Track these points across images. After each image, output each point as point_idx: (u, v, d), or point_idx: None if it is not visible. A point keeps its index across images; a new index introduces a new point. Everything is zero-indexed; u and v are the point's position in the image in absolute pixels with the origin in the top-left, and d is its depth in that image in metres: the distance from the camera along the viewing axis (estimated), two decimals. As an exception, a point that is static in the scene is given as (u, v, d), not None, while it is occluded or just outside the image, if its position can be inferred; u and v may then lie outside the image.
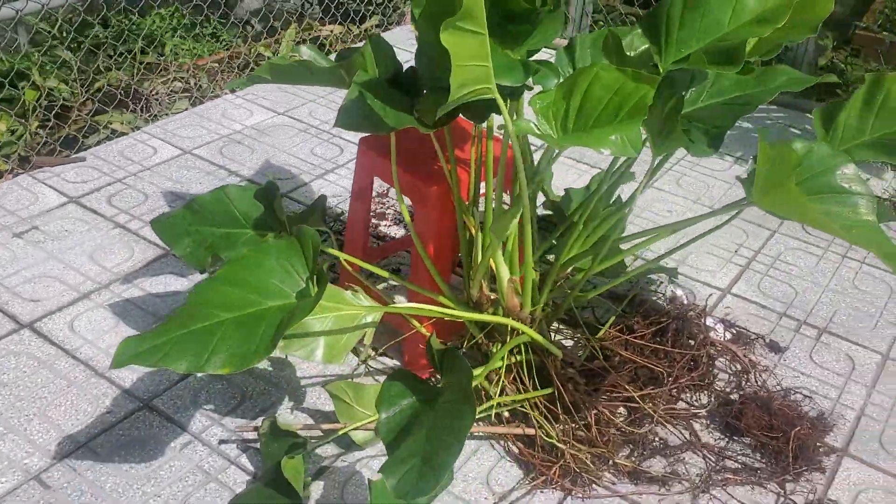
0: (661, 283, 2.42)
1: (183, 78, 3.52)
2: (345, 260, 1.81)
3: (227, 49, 3.94)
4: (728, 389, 2.08)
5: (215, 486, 1.75)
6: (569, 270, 2.10)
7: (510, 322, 1.83)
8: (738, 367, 2.15)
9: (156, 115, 3.24)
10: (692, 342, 2.10)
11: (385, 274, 1.88)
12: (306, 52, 1.70)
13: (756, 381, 2.11)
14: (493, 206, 1.80)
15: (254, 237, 1.78)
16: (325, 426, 1.82)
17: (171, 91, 3.41)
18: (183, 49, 3.76)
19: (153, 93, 3.34)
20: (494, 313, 1.91)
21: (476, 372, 1.85)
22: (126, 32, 3.56)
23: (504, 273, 1.79)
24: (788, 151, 1.37)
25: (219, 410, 1.93)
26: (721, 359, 2.17)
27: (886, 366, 2.21)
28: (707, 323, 2.23)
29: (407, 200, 2.04)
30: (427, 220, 1.90)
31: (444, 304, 1.90)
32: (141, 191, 2.74)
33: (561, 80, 1.67)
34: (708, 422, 2.00)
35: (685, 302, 2.28)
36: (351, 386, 1.78)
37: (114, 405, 1.93)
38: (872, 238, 1.43)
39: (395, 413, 1.42)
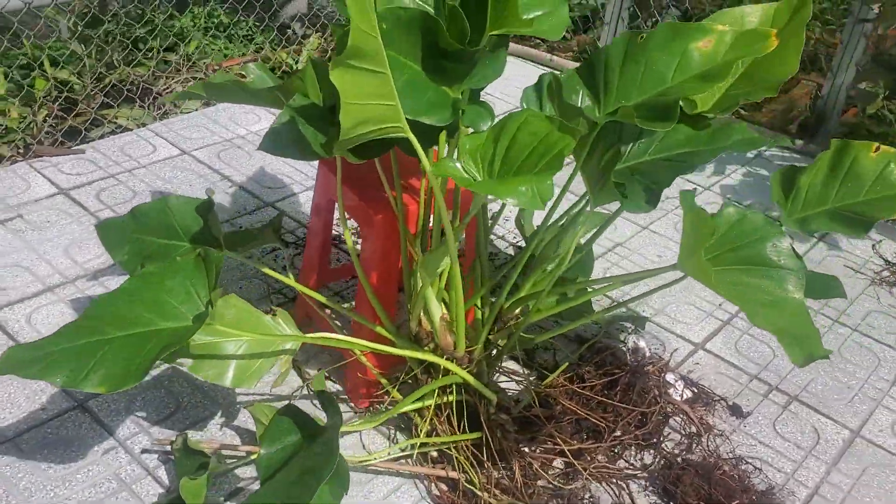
0: (631, 331, 2.34)
1: (202, 78, 3.56)
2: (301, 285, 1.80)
3: (257, 52, 3.98)
4: (676, 451, 1.99)
5: (127, 496, 1.74)
6: (520, 310, 2.04)
7: (439, 361, 1.78)
8: (693, 428, 2.06)
9: (165, 114, 3.27)
10: (644, 397, 2.02)
11: (321, 299, 1.85)
12: (253, 72, 1.68)
13: (707, 446, 2.02)
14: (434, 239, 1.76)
15: (189, 251, 1.77)
16: (245, 447, 1.79)
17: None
18: (213, 49, 3.80)
19: (167, 90, 3.38)
20: (435, 349, 1.86)
21: (408, 404, 1.82)
22: (137, 27, 3.61)
23: (434, 310, 1.75)
24: (703, 219, 1.30)
25: (149, 418, 1.93)
26: (676, 418, 2.08)
27: (854, 444, 2.09)
28: (667, 378, 2.14)
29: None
30: (372, 247, 1.87)
31: (381, 335, 1.86)
32: (131, 188, 2.77)
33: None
34: (647, 483, 1.92)
35: (647, 354, 2.20)
36: (271, 410, 1.75)
37: (49, 402, 1.94)
38: (795, 318, 1.35)
39: (278, 450, 1.39)
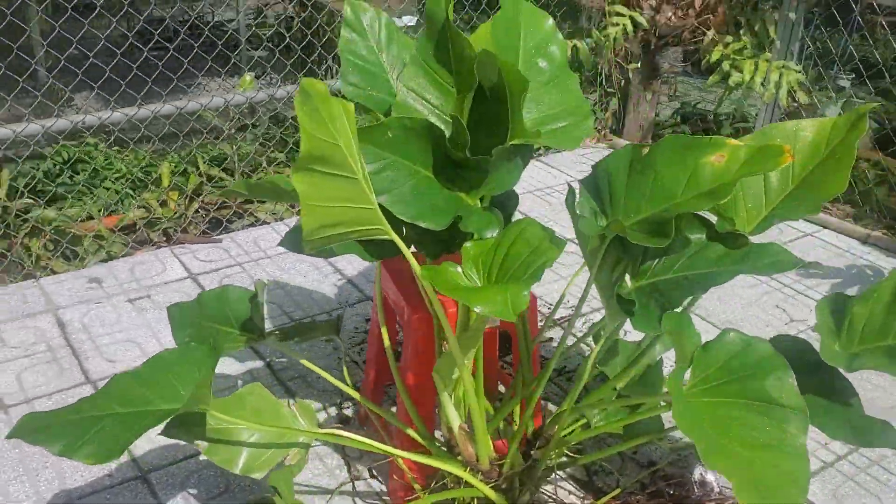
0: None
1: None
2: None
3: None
4: None
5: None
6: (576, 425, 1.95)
7: (459, 472, 1.73)
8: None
9: (303, 209, 3.50)
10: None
11: (366, 402, 1.87)
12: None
13: None
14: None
15: (238, 338, 1.87)
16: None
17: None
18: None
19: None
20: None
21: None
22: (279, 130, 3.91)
23: (452, 418, 1.71)
24: (685, 341, 1.20)
25: (199, 496, 2.01)
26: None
27: None
28: (735, 520, 1.94)
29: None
30: (409, 347, 1.88)
31: (414, 440, 1.85)
32: (251, 275, 2.97)
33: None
34: None
35: (715, 489, 2.01)
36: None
37: (117, 470, 2.09)
38: (795, 466, 1.19)
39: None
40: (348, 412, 2.33)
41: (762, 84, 3.45)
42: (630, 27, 3.62)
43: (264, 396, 1.71)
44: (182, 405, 1.47)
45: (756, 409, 1.26)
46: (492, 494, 1.72)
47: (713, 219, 1.60)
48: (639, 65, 3.86)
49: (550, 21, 1.67)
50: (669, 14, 3.76)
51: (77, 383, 2.39)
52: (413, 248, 1.61)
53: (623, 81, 4.03)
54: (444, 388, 1.68)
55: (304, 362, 1.87)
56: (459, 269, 1.48)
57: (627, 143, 4.09)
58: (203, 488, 2.04)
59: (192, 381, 1.52)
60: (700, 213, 1.56)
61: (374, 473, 2.10)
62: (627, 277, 1.57)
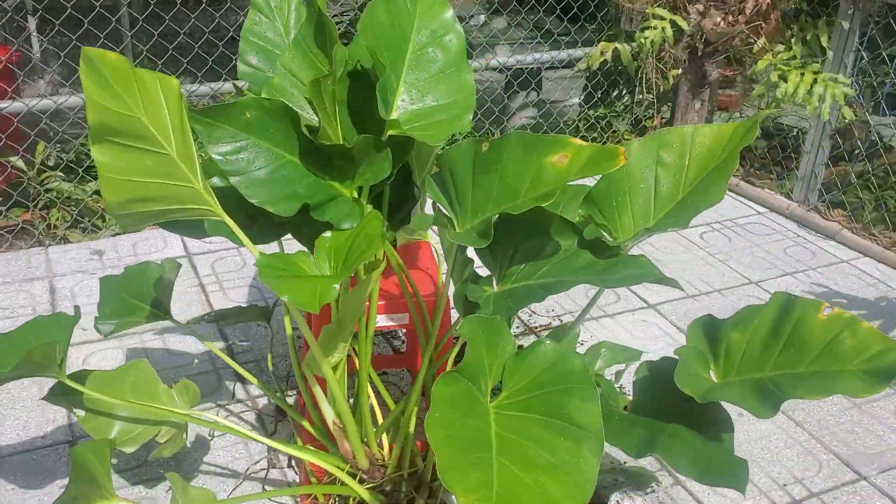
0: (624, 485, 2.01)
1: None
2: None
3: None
4: None
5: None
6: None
7: (333, 469, 1.69)
8: None
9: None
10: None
11: (277, 400, 1.86)
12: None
13: None
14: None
15: (147, 314, 1.90)
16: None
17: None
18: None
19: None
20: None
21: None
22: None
23: (325, 412, 1.67)
24: (498, 350, 1.12)
25: (117, 466, 2.05)
26: None
27: None
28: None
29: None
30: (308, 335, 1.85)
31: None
32: (245, 260, 3.01)
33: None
34: None
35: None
36: (178, 480, 1.78)
37: (52, 433, 2.15)
38: (569, 493, 1.08)
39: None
40: (290, 400, 2.32)
41: (807, 96, 3.21)
42: (670, 32, 3.45)
43: (146, 373, 1.72)
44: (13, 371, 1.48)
45: (554, 427, 1.15)
46: (363, 493, 1.67)
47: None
48: (679, 71, 3.67)
49: (450, 11, 1.60)
50: (718, 20, 3.55)
51: (46, 347, 2.49)
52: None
53: (663, 88, 3.85)
54: (316, 382, 1.64)
55: (216, 351, 1.88)
56: (312, 258, 1.44)
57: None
58: (122, 459, 2.07)
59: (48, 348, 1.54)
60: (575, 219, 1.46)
61: (293, 463, 2.08)
62: (494, 281, 1.48)
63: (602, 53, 3.61)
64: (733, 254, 3.15)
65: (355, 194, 1.55)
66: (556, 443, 1.14)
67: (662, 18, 3.46)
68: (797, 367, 1.31)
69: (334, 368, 1.63)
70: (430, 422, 1.08)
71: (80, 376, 1.70)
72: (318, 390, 1.65)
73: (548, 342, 1.24)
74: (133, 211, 1.30)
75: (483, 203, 1.35)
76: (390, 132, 1.51)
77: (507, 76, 4.29)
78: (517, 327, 2.67)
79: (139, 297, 1.94)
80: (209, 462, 2.09)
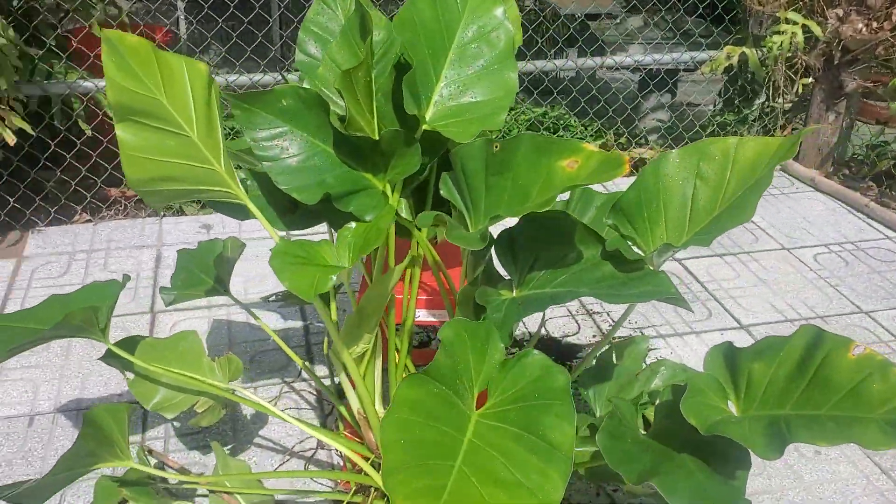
0: None
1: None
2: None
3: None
4: None
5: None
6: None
7: (351, 454, 1.70)
8: None
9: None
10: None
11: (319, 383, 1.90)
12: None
13: None
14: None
15: (207, 288, 1.98)
16: (191, 477, 1.91)
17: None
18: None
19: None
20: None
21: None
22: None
23: (351, 400, 1.68)
24: (486, 356, 1.09)
25: (179, 431, 2.16)
26: None
27: None
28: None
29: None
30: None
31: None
32: (339, 244, 3.08)
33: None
34: None
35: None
36: (220, 450, 1.85)
37: (129, 392, 2.29)
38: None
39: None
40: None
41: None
42: (801, 37, 3.22)
43: (193, 344, 1.80)
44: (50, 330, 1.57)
45: (527, 442, 1.10)
46: (381, 484, 1.67)
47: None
48: (810, 80, 3.43)
49: (501, 8, 1.57)
50: (860, 26, 3.29)
51: (141, 311, 2.65)
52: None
53: (794, 97, 3.61)
54: (342, 370, 1.66)
55: (266, 328, 1.94)
56: (334, 249, 1.46)
57: (801, 167, 3.67)
58: (183, 425, 2.18)
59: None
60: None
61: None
62: (513, 286, 1.44)
63: (728, 57, 3.43)
64: (847, 279, 2.91)
65: (388, 187, 1.55)
66: (526, 459, 1.10)
67: (794, 23, 3.24)
68: (820, 408, 1.20)
69: (361, 358, 1.64)
70: (386, 423, 1.07)
71: (133, 342, 1.79)
72: (342, 377, 1.67)
73: (535, 353, 1.20)
74: (156, 189, 1.36)
75: (496, 205, 1.32)
76: (424, 127, 1.50)
77: (641, 76, 4.15)
78: (594, 335, 2.59)
79: (205, 271, 2.03)
80: (263, 436, 2.16)
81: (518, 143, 1.28)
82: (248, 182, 1.65)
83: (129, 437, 1.52)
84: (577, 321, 2.66)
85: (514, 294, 1.43)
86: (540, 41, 4.55)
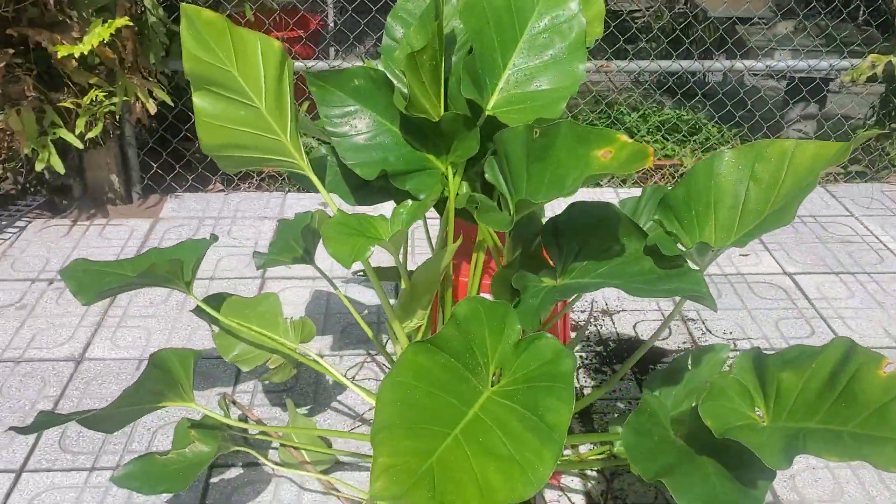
0: None
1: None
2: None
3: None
4: None
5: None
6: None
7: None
8: None
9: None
10: None
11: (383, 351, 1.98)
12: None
13: None
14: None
15: (295, 257, 2.10)
16: (254, 425, 2.04)
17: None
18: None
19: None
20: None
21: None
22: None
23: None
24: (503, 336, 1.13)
25: (267, 387, 2.31)
26: None
27: None
28: None
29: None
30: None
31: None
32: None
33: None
34: None
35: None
36: (291, 405, 1.98)
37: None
38: (511, 488, 1.07)
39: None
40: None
41: None
42: (954, 47, 3.00)
43: (272, 306, 1.92)
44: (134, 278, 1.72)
45: (528, 422, 1.13)
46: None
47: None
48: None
49: (576, 1, 1.58)
50: None
51: (252, 276, 2.83)
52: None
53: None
54: (396, 343, 1.73)
55: (342, 298, 2.04)
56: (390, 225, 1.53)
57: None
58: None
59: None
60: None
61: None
62: (556, 274, 1.46)
63: (872, 66, 3.24)
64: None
65: (450, 170, 1.60)
66: (524, 437, 1.12)
67: (948, 32, 3.02)
68: (846, 424, 1.14)
69: (416, 333, 1.71)
70: (385, 384, 1.12)
71: (221, 298, 1.94)
72: (399, 351, 1.74)
73: (548, 336, 1.21)
74: (227, 154, 1.47)
75: (536, 191, 1.34)
76: (487, 112, 1.54)
77: (789, 83, 3.98)
78: (684, 342, 2.54)
79: (297, 240, 2.15)
80: (341, 401, 2.27)
81: (557, 131, 1.30)
82: (329, 157, 1.75)
83: (193, 381, 1.66)
84: (669, 327, 2.61)
85: (557, 282, 1.45)
86: (687, 42, 4.44)
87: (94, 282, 1.73)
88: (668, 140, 3.82)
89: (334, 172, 1.72)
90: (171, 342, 2.49)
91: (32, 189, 3.37)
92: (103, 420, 1.51)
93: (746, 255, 3.01)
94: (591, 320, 2.63)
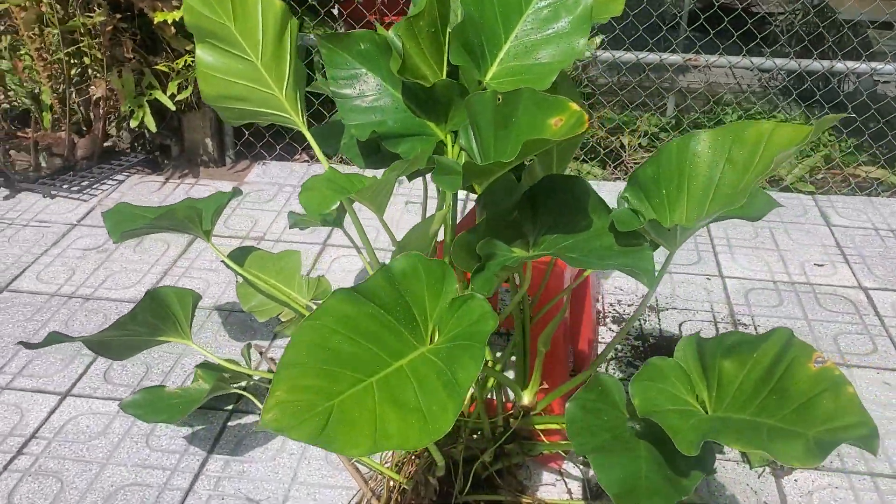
0: None
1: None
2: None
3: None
4: None
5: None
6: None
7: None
8: None
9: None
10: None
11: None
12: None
13: None
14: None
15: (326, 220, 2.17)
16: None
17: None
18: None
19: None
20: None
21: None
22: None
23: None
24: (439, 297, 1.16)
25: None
26: None
27: None
28: None
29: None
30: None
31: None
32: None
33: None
34: None
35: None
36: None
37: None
38: (422, 425, 1.09)
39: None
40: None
41: None
42: None
43: (293, 262, 2.01)
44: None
45: (444, 377, 1.13)
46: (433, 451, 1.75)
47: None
48: None
49: (585, -24, 1.56)
50: None
51: (314, 241, 2.94)
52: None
53: None
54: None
55: (369, 268, 2.09)
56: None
57: None
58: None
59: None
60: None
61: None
62: (529, 246, 1.45)
63: None
64: None
65: (449, 137, 1.62)
66: (436, 392, 1.13)
67: None
68: (773, 417, 1.08)
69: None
70: (303, 326, 1.15)
71: (247, 251, 2.04)
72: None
73: (479, 297, 1.21)
74: (227, 106, 1.55)
75: (501, 157, 1.34)
76: (485, 83, 1.55)
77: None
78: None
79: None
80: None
81: (518, 98, 1.29)
82: (345, 121, 1.80)
83: (192, 320, 1.76)
84: (717, 328, 2.52)
85: (530, 253, 1.45)
86: (807, 39, 4.23)
87: (126, 223, 1.86)
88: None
89: (350, 136, 1.77)
90: (224, 295, 2.63)
91: (138, 146, 3.62)
92: (105, 346, 1.63)
93: (822, 266, 2.85)
94: (638, 316, 2.57)
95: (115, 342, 1.63)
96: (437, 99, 1.57)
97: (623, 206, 1.35)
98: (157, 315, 1.68)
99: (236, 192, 1.94)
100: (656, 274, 1.24)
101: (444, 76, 1.61)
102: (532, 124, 1.28)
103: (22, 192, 3.27)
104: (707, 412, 1.21)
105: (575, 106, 1.20)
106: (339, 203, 1.42)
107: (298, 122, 1.59)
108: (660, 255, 2.86)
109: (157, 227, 1.80)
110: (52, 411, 2.14)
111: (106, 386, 2.23)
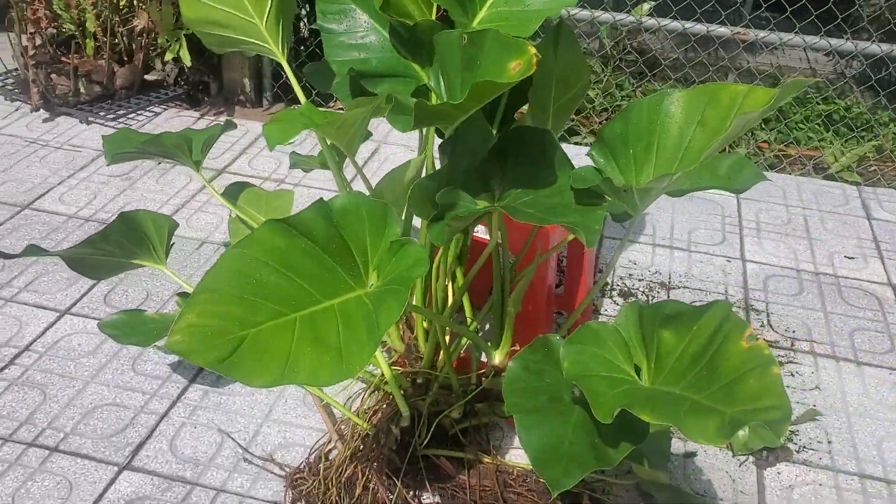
0: None
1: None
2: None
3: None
4: None
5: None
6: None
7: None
8: None
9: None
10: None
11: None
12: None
13: None
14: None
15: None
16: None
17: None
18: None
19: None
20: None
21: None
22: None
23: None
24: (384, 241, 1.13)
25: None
26: None
27: None
28: None
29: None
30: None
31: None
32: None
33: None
34: None
35: None
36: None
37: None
38: (349, 356, 1.07)
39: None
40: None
41: None
42: None
43: (286, 202, 2.00)
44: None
45: (368, 318, 1.10)
46: (385, 369, 1.73)
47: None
48: None
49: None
50: None
51: (335, 190, 2.93)
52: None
53: None
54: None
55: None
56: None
57: None
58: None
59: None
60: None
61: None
62: (495, 197, 1.40)
63: None
64: None
65: (428, 77, 1.57)
66: (359, 333, 1.10)
67: None
68: (701, 393, 1.02)
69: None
70: (229, 252, 1.12)
71: (243, 186, 2.03)
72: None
73: (415, 243, 1.17)
74: (208, 31, 1.53)
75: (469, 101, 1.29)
76: (472, 27, 1.49)
77: None
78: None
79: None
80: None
81: (484, 39, 1.24)
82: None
83: (168, 246, 1.76)
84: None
85: (496, 205, 1.40)
86: (892, 22, 3.99)
87: (120, 147, 1.88)
88: (825, 131, 3.47)
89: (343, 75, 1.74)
90: (214, 224, 2.64)
91: (181, 81, 3.65)
92: (78, 262, 1.65)
93: (852, 258, 2.71)
94: (647, 291, 2.50)
95: (88, 260, 1.65)
96: (421, 39, 1.52)
97: (590, 164, 1.29)
98: (131, 238, 1.68)
99: (229, 125, 1.93)
100: (607, 237, 1.18)
101: (433, 16, 1.56)
102: (496, 67, 1.22)
103: (61, 115, 3.34)
104: (645, 383, 1.15)
105: (532, 49, 1.14)
106: (299, 134, 1.39)
107: (278, 53, 1.56)
108: (672, 231, 2.78)
109: (145, 152, 1.81)
110: (49, 327, 2.19)
111: (105, 308, 2.27)
